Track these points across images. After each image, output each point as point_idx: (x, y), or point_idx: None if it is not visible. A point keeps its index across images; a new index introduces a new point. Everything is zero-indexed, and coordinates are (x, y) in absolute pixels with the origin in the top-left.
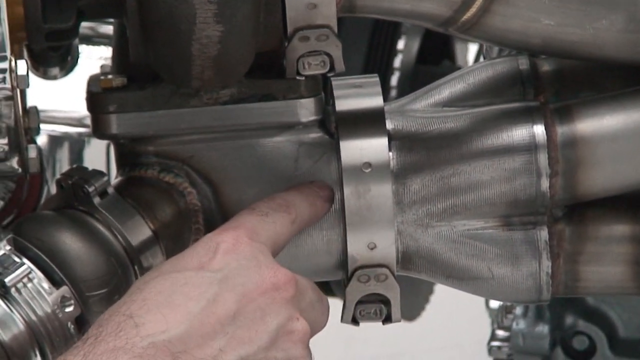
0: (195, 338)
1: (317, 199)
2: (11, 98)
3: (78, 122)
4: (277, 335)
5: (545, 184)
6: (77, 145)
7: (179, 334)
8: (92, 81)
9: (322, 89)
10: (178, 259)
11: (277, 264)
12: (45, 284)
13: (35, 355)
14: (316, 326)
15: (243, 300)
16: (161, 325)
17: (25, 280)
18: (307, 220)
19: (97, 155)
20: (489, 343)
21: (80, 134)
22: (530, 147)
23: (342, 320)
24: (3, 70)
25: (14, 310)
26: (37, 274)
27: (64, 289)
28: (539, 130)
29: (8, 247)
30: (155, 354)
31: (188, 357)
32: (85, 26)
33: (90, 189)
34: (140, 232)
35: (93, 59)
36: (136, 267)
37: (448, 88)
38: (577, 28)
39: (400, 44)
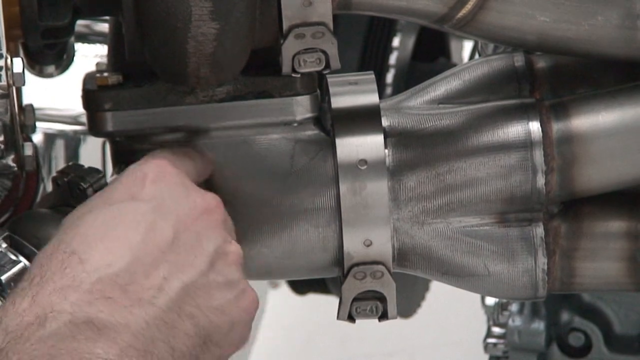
0: (140, 268)
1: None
2: (7, 96)
3: (74, 120)
4: (214, 259)
5: (541, 180)
6: (72, 143)
7: (124, 266)
8: (88, 79)
9: (317, 86)
10: (107, 192)
11: (200, 188)
12: None
13: None
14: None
15: (179, 226)
16: (106, 259)
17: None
18: (203, 170)
19: (93, 152)
20: (484, 340)
21: (76, 132)
22: (526, 144)
23: (338, 317)
24: None
25: None
26: None
27: None
28: (535, 126)
29: (4, 245)
30: (104, 289)
31: (136, 288)
32: (81, 24)
33: (86, 187)
34: None
35: (89, 56)
36: None
37: (444, 85)
38: (573, 24)
39: (396, 41)
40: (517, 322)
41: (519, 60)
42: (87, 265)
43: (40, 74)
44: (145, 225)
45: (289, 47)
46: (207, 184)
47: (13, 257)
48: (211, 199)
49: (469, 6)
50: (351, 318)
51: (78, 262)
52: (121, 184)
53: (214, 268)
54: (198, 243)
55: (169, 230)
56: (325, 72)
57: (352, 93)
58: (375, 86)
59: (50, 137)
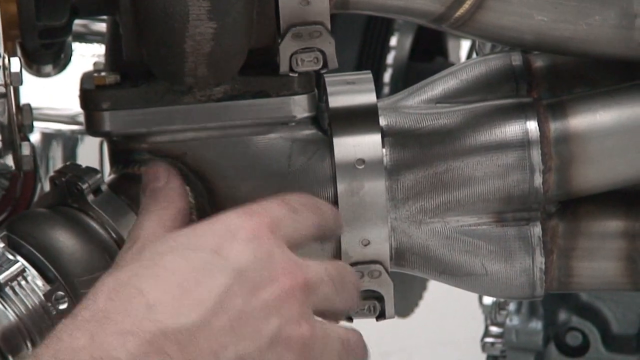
0: (203, 330)
1: (340, 217)
2: (4, 95)
3: (71, 120)
4: (275, 338)
5: (538, 179)
6: (70, 143)
7: (189, 325)
8: (86, 78)
9: (315, 85)
10: (194, 234)
11: (292, 261)
12: (39, 282)
13: (28, 350)
14: (339, 312)
15: (252, 297)
16: (172, 313)
17: (19, 277)
18: (329, 231)
19: (91, 152)
20: (482, 339)
21: (73, 132)
22: (524, 143)
23: None
24: None
25: (7, 308)
26: (31, 271)
27: (58, 286)
28: (532, 126)
29: (2, 245)
30: (164, 343)
31: (194, 350)
32: (78, 24)
33: (84, 186)
34: None
35: (86, 56)
36: None
37: (441, 84)
38: (570, 24)
39: (393, 41)
40: (514, 321)
41: (516, 59)
42: (152, 313)
43: (38, 73)
44: (219, 287)
45: (287, 47)
46: (204, 185)
47: (11, 257)
48: (293, 277)
49: (466, 5)
50: (349, 318)
51: (144, 306)
52: (213, 230)
53: (272, 348)
54: (265, 319)
55: (241, 298)
56: (322, 71)
57: (349, 92)
58: (372, 85)
59: (47, 137)
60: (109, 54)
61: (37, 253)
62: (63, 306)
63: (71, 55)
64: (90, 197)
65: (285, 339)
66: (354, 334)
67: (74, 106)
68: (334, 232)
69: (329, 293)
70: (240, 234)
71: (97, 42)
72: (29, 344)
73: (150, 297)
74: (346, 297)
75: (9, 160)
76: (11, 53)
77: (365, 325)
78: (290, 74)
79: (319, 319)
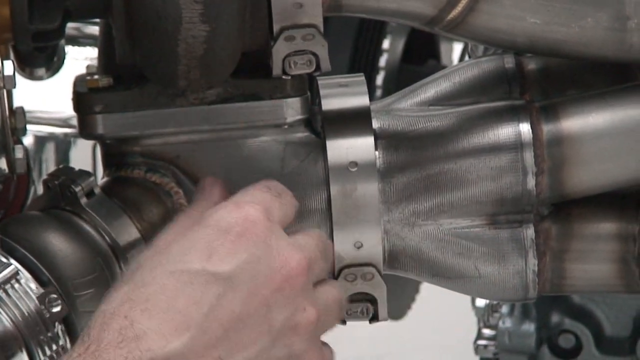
0: (195, 349)
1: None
2: None
3: (64, 123)
4: (280, 332)
5: (531, 182)
6: (63, 146)
7: (180, 348)
8: (79, 81)
9: (308, 88)
10: (185, 241)
11: (289, 246)
12: (33, 285)
13: (22, 354)
14: (322, 277)
15: (248, 299)
16: (161, 339)
17: (12, 280)
18: (297, 213)
19: (84, 155)
20: (475, 342)
21: (66, 135)
22: (516, 146)
23: None
24: None
25: (1, 311)
26: (25, 274)
27: (51, 290)
28: (525, 128)
29: None
30: None
31: None
32: (71, 27)
33: (77, 189)
34: (127, 232)
35: (79, 59)
36: (123, 267)
37: (434, 87)
38: (563, 26)
39: (386, 44)
40: (507, 323)
41: (509, 62)
42: (142, 343)
43: (31, 76)
44: (212, 298)
45: (279, 50)
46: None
47: (4, 260)
48: (294, 264)
49: (459, 8)
50: (342, 320)
51: (134, 337)
52: (205, 234)
53: (277, 342)
54: (266, 317)
55: (238, 304)
56: (315, 74)
57: (342, 95)
58: (365, 88)
59: (40, 140)
60: (101, 57)
61: (30, 256)
62: (56, 309)
63: (64, 58)
64: (84, 200)
65: (292, 328)
66: (335, 288)
67: (66, 109)
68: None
69: (322, 264)
70: (233, 231)
71: (90, 45)
72: (22, 348)
73: (138, 326)
74: (329, 259)
75: (2, 164)
76: (4, 56)
77: (358, 328)
78: (283, 77)
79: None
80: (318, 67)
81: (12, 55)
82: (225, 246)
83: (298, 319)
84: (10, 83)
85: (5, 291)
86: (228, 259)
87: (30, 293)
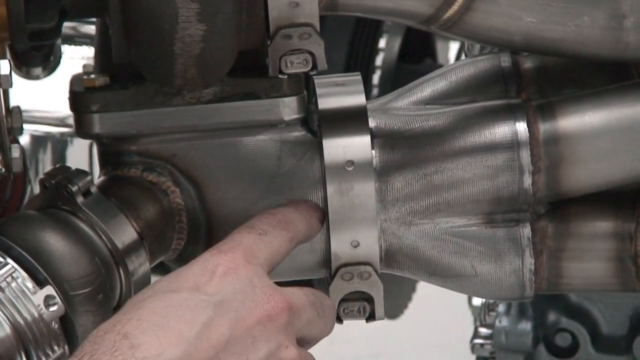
0: None
1: (313, 218)
2: None
3: (61, 122)
4: None
5: (527, 181)
6: (59, 145)
7: (173, 359)
8: (75, 81)
9: (304, 87)
10: (174, 277)
11: (273, 287)
12: (29, 284)
13: (20, 355)
14: (318, 337)
15: (236, 326)
16: (156, 349)
17: (9, 279)
18: (303, 238)
19: (80, 154)
20: (471, 341)
21: (63, 134)
22: (513, 144)
23: None
24: None
25: None
26: (21, 273)
27: (48, 289)
28: (522, 127)
29: None
30: None
31: None
32: (67, 26)
33: (74, 189)
34: (124, 231)
35: (75, 58)
36: (120, 267)
37: (430, 86)
38: (559, 25)
39: (382, 43)
40: (504, 322)
41: (505, 60)
42: (138, 351)
43: (27, 76)
44: (202, 321)
45: (276, 49)
46: (194, 187)
47: (0, 259)
48: (275, 303)
49: (455, 7)
50: (339, 319)
51: (129, 346)
52: (191, 271)
53: None
54: (253, 346)
55: (226, 328)
56: (312, 73)
57: (339, 94)
58: (362, 87)
59: (37, 139)
60: (98, 56)
61: (27, 255)
62: (53, 308)
63: (60, 57)
64: (80, 200)
65: None
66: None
67: (63, 108)
68: (312, 234)
69: (312, 317)
70: (218, 271)
71: (87, 44)
72: (20, 347)
73: (133, 338)
74: (326, 321)
75: None
76: (1, 55)
77: (355, 327)
78: (280, 76)
79: None
80: (314, 66)
81: (8, 54)
82: (212, 282)
83: (282, 355)
84: (6, 82)
85: (2, 290)
86: (216, 289)
87: (27, 292)
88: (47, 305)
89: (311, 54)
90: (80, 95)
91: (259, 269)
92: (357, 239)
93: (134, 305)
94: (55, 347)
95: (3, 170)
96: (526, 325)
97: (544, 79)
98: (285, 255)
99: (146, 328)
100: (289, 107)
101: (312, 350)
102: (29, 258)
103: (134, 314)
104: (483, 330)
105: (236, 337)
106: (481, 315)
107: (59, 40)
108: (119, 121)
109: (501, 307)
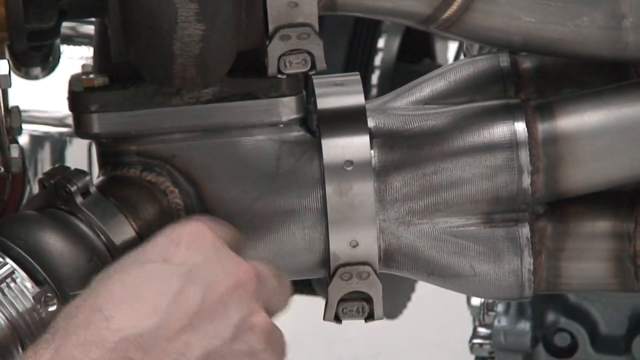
0: (164, 331)
1: None
2: None
3: (60, 122)
4: (239, 329)
5: (526, 180)
6: (58, 145)
7: (149, 328)
8: (74, 81)
9: (303, 87)
10: (140, 251)
11: (239, 257)
12: (29, 284)
13: (18, 354)
14: (279, 308)
15: (207, 293)
16: (131, 319)
17: (8, 279)
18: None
19: (79, 154)
20: (470, 341)
21: (62, 134)
22: (512, 144)
23: (324, 318)
24: None
25: None
26: (20, 273)
27: (47, 289)
28: (520, 127)
29: None
30: (126, 348)
31: (157, 351)
32: (66, 26)
33: (73, 189)
34: (123, 231)
35: (74, 58)
36: None
37: (429, 86)
38: (558, 25)
39: (381, 42)
40: (503, 322)
41: (504, 60)
42: (112, 323)
43: (26, 76)
44: (174, 289)
45: (275, 49)
46: (193, 187)
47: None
48: (244, 271)
49: (454, 7)
50: (337, 319)
51: (103, 319)
52: (156, 244)
53: (238, 337)
54: (224, 312)
55: (198, 296)
56: (311, 73)
57: (337, 94)
58: (361, 87)
59: (36, 139)
60: (97, 56)
61: (26, 255)
62: (52, 308)
63: (59, 57)
64: (79, 200)
65: (250, 328)
66: (281, 332)
67: (62, 108)
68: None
69: (276, 287)
70: (183, 241)
71: (86, 44)
72: (18, 347)
73: (106, 311)
74: (286, 294)
75: None
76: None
77: (354, 327)
78: (279, 76)
79: None
80: (313, 66)
81: (7, 54)
82: (179, 252)
83: (254, 320)
84: (5, 82)
85: (1, 290)
86: (184, 258)
87: (26, 292)
88: (46, 305)
89: (310, 54)
90: (79, 95)
91: (222, 241)
92: (356, 239)
93: (102, 279)
94: None
95: (2, 170)
96: (525, 325)
97: (543, 78)
98: (240, 246)
99: (118, 300)
100: (288, 107)
101: (311, 350)
102: (28, 258)
103: (103, 288)
104: (482, 330)
105: (208, 305)
106: (480, 315)
107: (58, 40)
108: (118, 121)
109: (500, 307)
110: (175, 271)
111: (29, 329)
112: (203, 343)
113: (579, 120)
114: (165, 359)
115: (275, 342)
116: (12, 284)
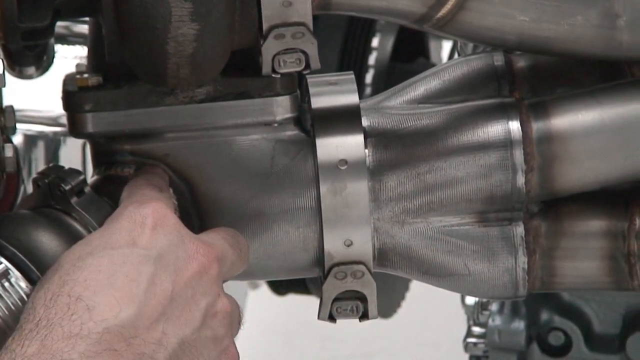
0: (142, 322)
1: None
2: None
3: (54, 121)
4: (206, 314)
5: (520, 179)
6: (53, 145)
7: (129, 318)
8: (68, 80)
9: (297, 86)
10: (107, 233)
11: (197, 237)
12: (23, 283)
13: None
14: (237, 272)
15: (176, 280)
16: (112, 309)
17: (2, 279)
18: None
19: (73, 154)
20: (464, 340)
21: (56, 133)
22: (506, 143)
23: (319, 317)
24: None
25: None
26: (15, 272)
27: None
28: (515, 126)
29: None
30: (110, 340)
31: (139, 342)
32: (60, 25)
33: (67, 188)
34: None
35: (69, 58)
36: None
37: (423, 85)
38: (552, 24)
39: (375, 42)
40: (497, 321)
41: (498, 59)
42: (95, 313)
43: (20, 75)
44: (146, 277)
45: (269, 48)
46: (187, 186)
47: None
48: (206, 254)
49: (448, 6)
50: (332, 318)
51: (85, 309)
52: (121, 226)
53: (205, 324)
54: (193, 299)
55: (168, 283)
56: (305, 72)
57: (332, 93)
58: (355, 86)
59: (30, 139)
60: (91, 55)
61: (20, 255)
62: None
63: (53, 57)
64: (73, 199)
65: (213, 314)
66: (232, 302)
67: (56, 108)
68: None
69: (235, 259)
70: (147, 222)
71: (80, 44)
72: None
73: (87, 300)
74: (244, 258)
75: None
76: None
77: (348, 326)
78: (273, 75)
79: None
80: (307, 66)
81: (1, 53)
82: (145, 234)
83: (218, 306)
84: None
85: None
86: (151, 241)
87: (20, 291)
88: None
89: (304, 53)
90: (73, 94)
91: (180, 221)
92: (350, 238)
93: (74, 264)
94: None
95: None
96: (519, 324)
97: (537, 77)
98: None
99: (96, 289)
100: (282, 107)
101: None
102: (22, 257)
103: (78, 274)
104: (476, 329)
105: (178, 292)
106: (474, 314)
107: (52, 40)
108: (112, 120)
109: (494, 306)
110: (145, 256)
111: None
112: (177, 332)
113: (573, 119)
114: (145, 349)
115: (235, 323)
116: (6, 284)
